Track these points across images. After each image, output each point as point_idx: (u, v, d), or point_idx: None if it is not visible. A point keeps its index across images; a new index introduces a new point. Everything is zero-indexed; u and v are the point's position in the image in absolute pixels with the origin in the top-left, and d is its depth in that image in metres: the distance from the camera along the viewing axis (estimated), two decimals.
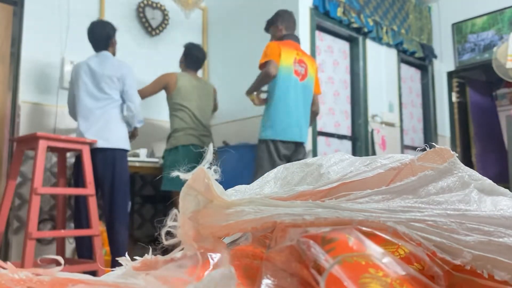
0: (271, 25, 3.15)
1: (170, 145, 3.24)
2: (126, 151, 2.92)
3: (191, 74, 3.44)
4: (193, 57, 3.44)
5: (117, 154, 2.84)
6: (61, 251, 2.93)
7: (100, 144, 2.79)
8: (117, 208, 2.80)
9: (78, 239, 2.87)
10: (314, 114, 3.18)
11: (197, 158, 0.49)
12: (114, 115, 2.87)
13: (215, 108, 3.67)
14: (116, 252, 2.75)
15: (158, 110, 3.89)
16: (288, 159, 2.88)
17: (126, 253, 0.55)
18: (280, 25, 3.08)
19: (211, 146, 0.49)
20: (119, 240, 2.78)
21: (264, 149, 2.83)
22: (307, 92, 3.01)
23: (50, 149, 2.79)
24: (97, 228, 2.64)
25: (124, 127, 2.94)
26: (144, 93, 3.25)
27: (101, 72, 2.84)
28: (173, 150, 3.22)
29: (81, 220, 2.82)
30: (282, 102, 2.87)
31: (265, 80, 2.88)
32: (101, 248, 2.67)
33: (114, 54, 3.03)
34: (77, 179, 2.88)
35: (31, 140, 2.58)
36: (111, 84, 2.86)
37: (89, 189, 2.67)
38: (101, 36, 2.95)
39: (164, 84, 3.32)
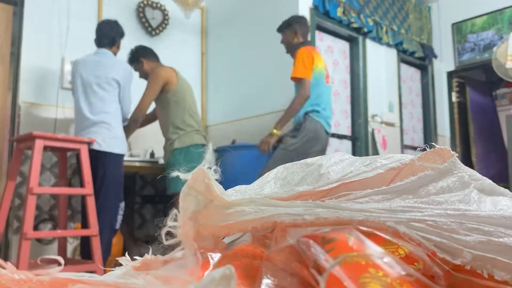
0: (286, 28, 3.11)
1: (181, 143, 3.04)
2: (120, 155, 2.85)
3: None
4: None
5: (108, 157, 2.77)
6: (62, 251, 2.92)
7: (94, 146, 2.75)
8: (102, 209, 2.73)
9: (83, 239, 2.83)
10: None
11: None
12: (108, 118, 2.81)
13: None
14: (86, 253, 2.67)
15: None
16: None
17: (127, 253, 0.55)
18: (298, 31, 3.08)
19: (210, 146, 0.49)
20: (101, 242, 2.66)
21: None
22: (330, 93, 3.19)
23: (51, 149, 2.78)
24: (96, 228, 2.62)
25: (119, 130, 2.86)
26: (147, 102, 3.02)
27: (93, 76, 2.81)
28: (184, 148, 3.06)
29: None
30: (319, 105, 2.98)
31: (303, 102, 2.90)
32: (100, 248, 2.65)
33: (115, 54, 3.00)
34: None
35: (29, 140, 2.57)
36: (105, 87, 2.81)
37: (87, 189, 2.64)
38: (109, 33, 2.93)
39: (165, 81, 3.07)
